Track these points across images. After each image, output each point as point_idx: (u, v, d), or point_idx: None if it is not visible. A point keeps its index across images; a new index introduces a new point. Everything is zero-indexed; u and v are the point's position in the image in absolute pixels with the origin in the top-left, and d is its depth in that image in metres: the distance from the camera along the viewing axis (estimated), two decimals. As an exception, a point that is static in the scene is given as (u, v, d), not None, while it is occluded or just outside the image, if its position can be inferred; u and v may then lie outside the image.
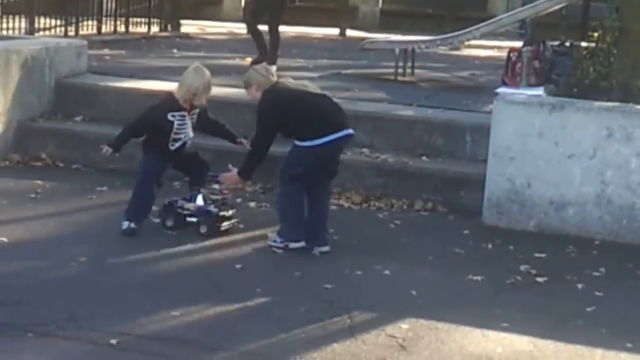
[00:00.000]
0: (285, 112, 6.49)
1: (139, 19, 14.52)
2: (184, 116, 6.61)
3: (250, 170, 6.75)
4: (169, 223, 6.65)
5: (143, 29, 14.41)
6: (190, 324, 5.03)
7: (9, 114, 8.36)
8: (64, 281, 5.56)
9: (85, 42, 9.77)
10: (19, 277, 5.55)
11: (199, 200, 6.69)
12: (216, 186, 6.76)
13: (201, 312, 5.19)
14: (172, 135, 6.57)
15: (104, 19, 13.57)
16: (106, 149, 6.58)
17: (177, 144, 6.64)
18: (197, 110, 6.70)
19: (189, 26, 16.10)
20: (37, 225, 6.54)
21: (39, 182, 7.59)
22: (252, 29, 11.18)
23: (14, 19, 11.63)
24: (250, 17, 11.36)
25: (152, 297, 5.38)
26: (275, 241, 6.43)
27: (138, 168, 7.44)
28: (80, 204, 7.21)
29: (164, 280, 5.70)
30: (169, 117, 6.55)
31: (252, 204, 7.48)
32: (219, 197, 6.74)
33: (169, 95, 6.72)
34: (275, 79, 6.65)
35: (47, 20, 12.41)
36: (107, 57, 11.10)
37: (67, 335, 4.76)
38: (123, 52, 11.82)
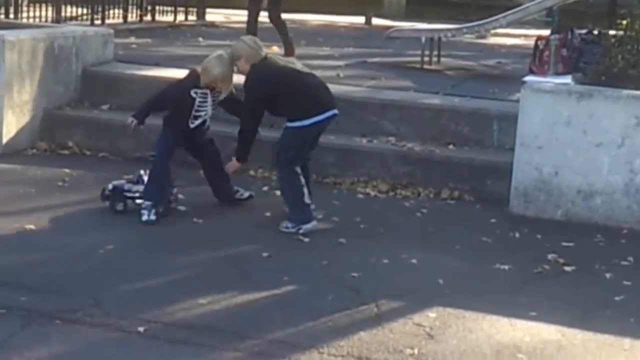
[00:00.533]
0: (274, 88, 6.48)
1: (164, 8, 14.55)
2: (206, 94, 6.61)
3: (245, 152, 6.77)
4: (119, 207, 6.60)
5: (169, 18, 14.43)
6: (218, 312, 5.04)
7: (36, 103, 8.40)
8: (91, 268, 5.58)
9: (111, 31, 9.77)
10: (47, 265, 5.58)
11: None
12: None
13: (228, 300, 5.20)
14: (193, 112, 6.57)
15: (130, 7, 13.60)
16: (131, 120, 6.63)
17: (197, 122, 6.63)
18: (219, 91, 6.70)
19: (214, 14, 16.11)
20: (64, 213, 6.57)
21: (66, 170, 7.62)
22: (272, 18, 10.87)
23: (40, 7, 11.68)
24: (250, 5, 11.04)
25: (179, 285, 5.40)
26: (287, 227, 6.43)
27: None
28: (107, 192, 7.22)
29: (190, 268, 5.71)
30: (192, 93, 6.55)
31: (279, 192, 7.46)
32: None
33: (193, 71, 6.73)
34: (264, 53, 6.61)
35: (74, 9, 12.45)
36: (134, 46, 11.12)
37: (94, 322, 4.78)
38: (149, 40, 11.84)
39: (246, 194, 7.04)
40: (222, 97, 6.71)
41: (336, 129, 8.21)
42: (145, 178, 6.68)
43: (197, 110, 6.60)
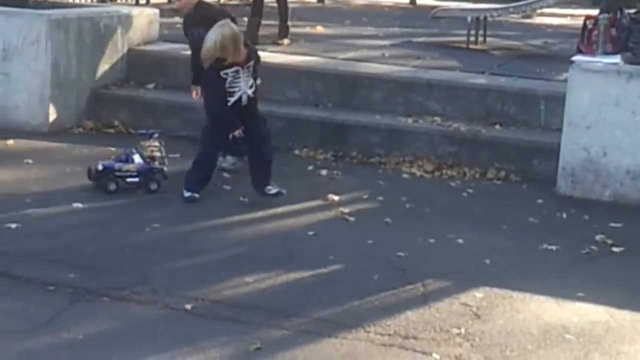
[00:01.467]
0: None
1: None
2: (237, 71, 6.57)
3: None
4: (112, 187, 6.56)
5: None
6: (264, 291, 5.04)
7: (82, 82, 8.46)
8: (139, 246, 5.61)
9: (157, 10, 9.81)
10: (95, 243, 5.62)
11: (138, 159, 6.66)
12: (147, 143, 6.73)
13: (274, 278, 5.20)
14: (227, 90, 6.54)
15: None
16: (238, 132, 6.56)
17: (233, 99, 6.58)
18: (251, 63, 6.67)
19: (257, -6, 16.06)
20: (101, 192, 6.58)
21: (112, 148, 7.63)
22: None
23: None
24: None
25: (226, 263, 5.41)
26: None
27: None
28: (154, 170, 7.25)
29: (237, 247, 5.72)
30: (222, 75, 6.52)
31: (324, 172, 7.47)
32: (157, 153, 6.75)
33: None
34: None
35: (119, -12, 12.53)
36: (178, 25, 11.00)
37: (142, 300, 4.81)
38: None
39: (274, 190, 6.74)
40: (249, 65, 6.67)
41: (382, 108, 8.22)
42: (136, 157, 6.67)
43: (230, 87, 6.55)
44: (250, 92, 6.61)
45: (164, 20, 10.16)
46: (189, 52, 8.51)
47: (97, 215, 6.12)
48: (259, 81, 6.83)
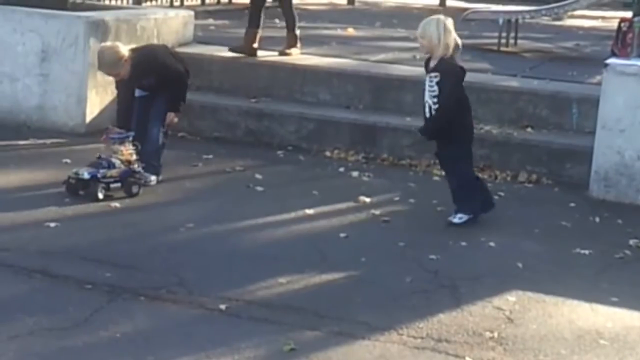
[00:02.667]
0: None
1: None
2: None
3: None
4: (101, 195, 6.46)
5: (245, 0, 14.42)
6: (297, 292, 5.09)
7: (118, 83, 8.51)
8: (173, 246, 5.66)
9: (192, 13, 9.87)
10: (131, 242, 5.68)
11: (119, 164, 6.59)
12: (118, 146, 6.67)
13: (307, 280, 5.25)
14: None
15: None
16: None
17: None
18: None
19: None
20: (146, 192, 6.65)
21: (147, 148, 7.73)
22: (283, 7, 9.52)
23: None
24: None
25: (259, 264, 5.45)
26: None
27: (242, 137, 7.52)
28: (187, 171, 7.32)
29: (270, 248, 5.77)
30: None
31: (355, 174, 7.51)
32: (133, 157, 6.66)
33: None
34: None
35: (154, -9, 12.60)
36: (212, 27, 11.20)
37: (177, 299, 4.86)
38: (227, 22, 11.88)
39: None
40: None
41: (412, 111, 8.24)
42: (117, 162, 6.57)
43: None
44: None
45: (198, 22, 10.23)
46: (222, 54, 8.61)
47: (132, 215, 6.18)
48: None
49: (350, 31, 11.62)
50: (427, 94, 6.33)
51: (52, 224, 5.85)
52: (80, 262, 5.28)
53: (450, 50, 6.31)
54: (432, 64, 6.35)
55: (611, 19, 13.82)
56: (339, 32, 11.66)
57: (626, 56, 8.47)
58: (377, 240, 6.03)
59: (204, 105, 8.43)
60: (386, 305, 4.98)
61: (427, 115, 6.34)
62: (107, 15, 8.53)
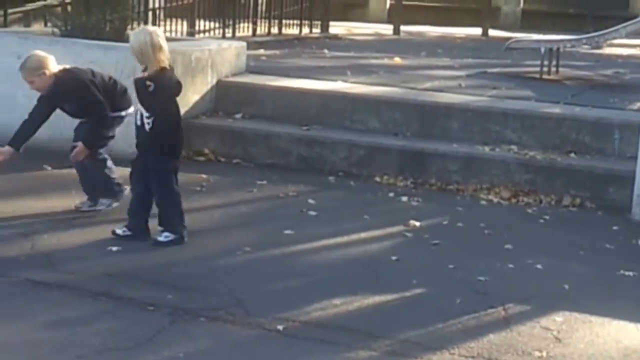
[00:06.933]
0: None
1: (290, 21, 15.04)
2: None
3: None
4: None
5: (295, 31, 14.86)
6: (351, 313, 5.24)
7: (173, 112, 8.76)
8: (231, 269, 5.85)
9: (244, 44, 10.09)
10: (190, 265, 5.88)
11: None
12: None
13: (361, 301, 5.41)
14: None
15: (258, 21, 14.07)
16: None
17: None
18: None
19: (336, 27, 16.49)
20: (203, 216, 6.88)
21: (203, 175, 7.96)
22: None
23: (176, 21, 12.15)
24: None
25: (314, 286, 5.63)
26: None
27: (294, 164, 7.71)
28: (242, 196, 7.53)
29: (324, 271, 5.94)
30: None
31: (404, 198, 7.70)
32: None
33: None
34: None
35: (206, 23, 12.90)
36: (263, 58, 11.44)
37: (236, 321, 5.02)
38: (277, 52, 12.18)
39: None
40: None
41: (459, 137, 8.43)
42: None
43: None
44: None
45: (249, 52, 10.45)
46: (274, 83, 8.81)
47: (190, 239, 6.34)
48: None
49: (397, 60, 11.81)
50: None
51: (115, 248, 6.07)
52: (142, 284, 5.47)
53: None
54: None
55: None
56: (386, 61, 11.86)
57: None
58: (427, 263, 6.20)
59: (257, 133, 8.66)
60: (438, 325, 5.13)
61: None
62: (163, 47, 8.78)
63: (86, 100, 6.63)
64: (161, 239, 6.30)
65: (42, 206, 6.89)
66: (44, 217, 6.64)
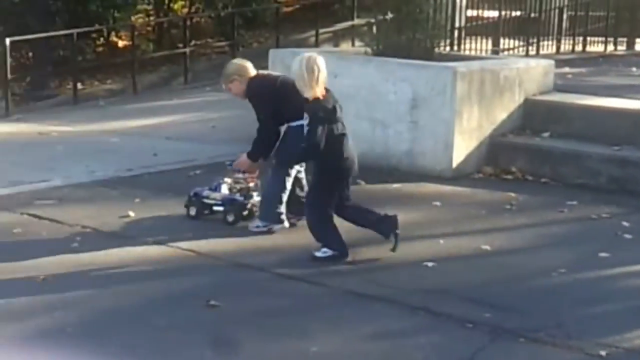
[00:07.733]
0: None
1: (595, 38, 14.82)
2: None
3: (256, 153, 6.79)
4: (192, 212, 6.85)
5: (599, 48, 14.63)
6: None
7: (482, 130, 8.86)
8: (548, 290, 5.81)
9: (552, 62, 10.01)
10: (506, 284, 5.90)
11: (224, 190, 6.80)
12: (240, 175, 6.83)
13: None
14: None
15: (562, 38, 13.91)
16: None
17: None
18: None
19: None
20: (515, 235, 6.89)
21: (512, 194, 7.97)
22: None
23: (480, 39, 12.25)
24: None
25: (634, 312, 5.47)
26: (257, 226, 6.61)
27: (605, 184, 7.50)
28: (553, 216, 7.46)
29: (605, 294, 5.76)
30: None
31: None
32: (243, 185, 6.83)
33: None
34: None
35: (510, 41, 12.90)
36: (569, 76, 11.30)
37: (556, 343, 4.98)
38: (582, 70, 12.00)
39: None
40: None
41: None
42: (223, 187, 6.89)
43: None
44: None
45: (555, 70, 10.31)
46: (583, 102, 8.68)
47: (504, 258, 6.40)
48: None
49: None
50: None
51: (430, 264, 6.18)
52: (459, 301, 5.54)
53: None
54: None
55: None
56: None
57: None
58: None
59: (566, 153, 8.56)
60: None
61: None
62: (474, 66, 8.91)
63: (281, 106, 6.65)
64: (319, 254, 6.31)
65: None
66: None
